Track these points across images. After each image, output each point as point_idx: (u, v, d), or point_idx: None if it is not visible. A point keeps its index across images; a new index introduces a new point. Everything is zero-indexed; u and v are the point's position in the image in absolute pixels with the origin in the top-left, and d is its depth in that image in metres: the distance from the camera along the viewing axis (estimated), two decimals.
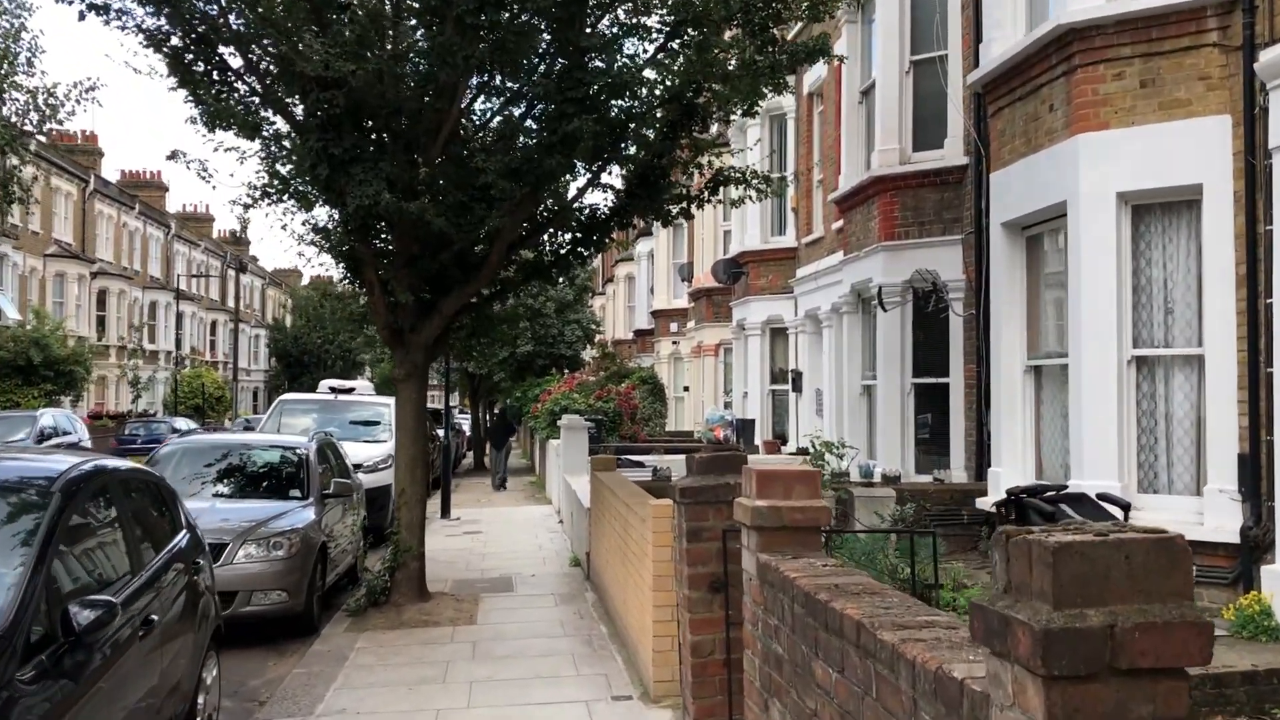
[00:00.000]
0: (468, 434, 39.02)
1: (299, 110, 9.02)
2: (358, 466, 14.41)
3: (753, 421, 19.62)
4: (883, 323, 13.44)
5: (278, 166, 9.90)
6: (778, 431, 20.47)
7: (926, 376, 13.34)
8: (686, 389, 30.13)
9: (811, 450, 13.80)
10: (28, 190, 18.10)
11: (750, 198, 11.14)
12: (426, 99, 8.79)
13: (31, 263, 41.91)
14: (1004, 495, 8.89)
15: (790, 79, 16.86)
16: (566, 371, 32.67)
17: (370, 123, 8.93)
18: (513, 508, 20.57)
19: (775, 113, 20.06)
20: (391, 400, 17.32)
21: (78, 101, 16.97)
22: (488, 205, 9.14)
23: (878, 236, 13.48)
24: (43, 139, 40.10)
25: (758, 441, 19.53)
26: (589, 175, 10.25)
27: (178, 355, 55.65)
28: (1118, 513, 8.25)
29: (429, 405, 30.48)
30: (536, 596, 10.65)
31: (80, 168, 47.86)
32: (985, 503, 10.36)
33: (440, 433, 20.68)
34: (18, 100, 16.92)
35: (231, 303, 67.72)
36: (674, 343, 31.41)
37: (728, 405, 23.88)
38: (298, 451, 10.83)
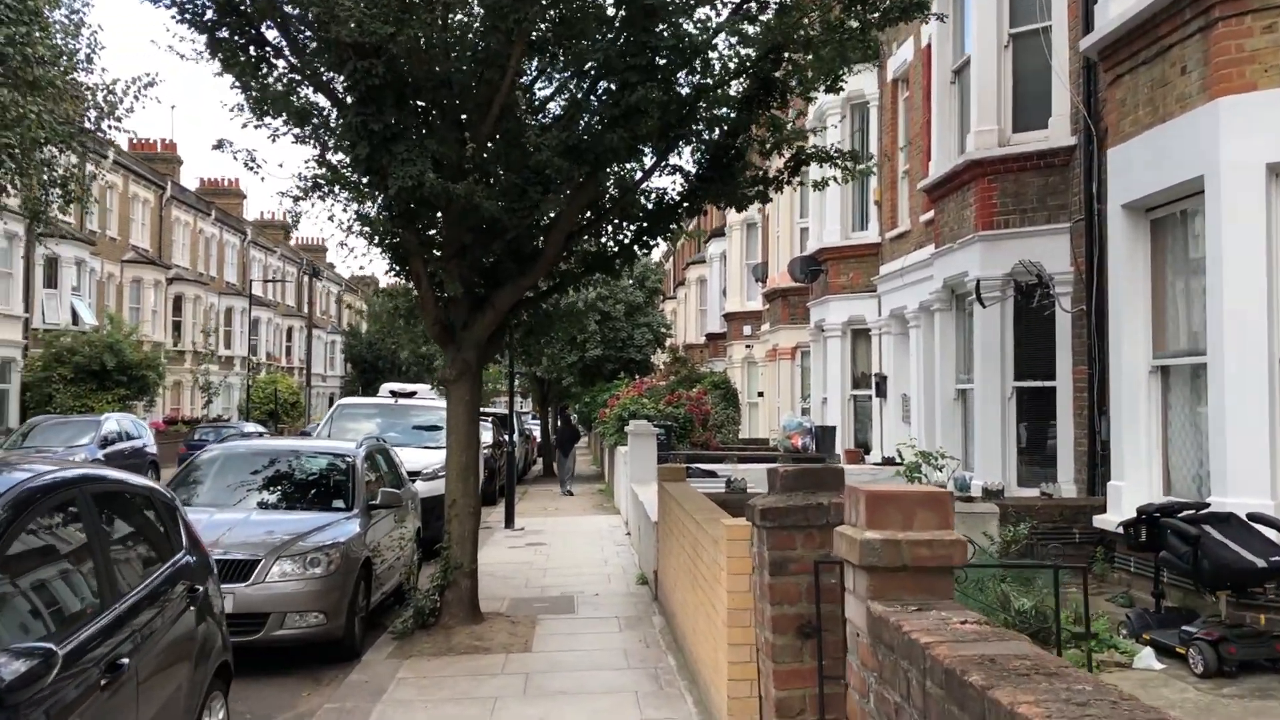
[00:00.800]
0: (537, 439, 38.36)
1: (339, 86, 8.24)
2: (416, 474, 13.70)
3: (833, 429, 18.49)
4: (980, 320, 12.25)
5: (328, 156, 9.18)
6: (860, 440, 19.31)
7: (1029, 379, 12.13)
8: (761, 394, 29.00)
9: (901, 460, 12.67)
10: (86, 189, 17.71)
11: (835, 179, 10.11)
12: (476, 68, 7.94)
13: (109, 268, 42.39)
14: (1133, 514, 7.73)
15: (881, 43, 15.76)
16: (636, 376, 31.80)
17: (415, 97, 8.10)
18: (579, 518, 19.71)
19: (857, 100, 18.93)
20: None
21: (136, 97, 16.51)
22: (543, 188, 8.27)
23: (974, 226, 12.31)
24: (119, 144, 40.58)
25: (839, 450, 18.38)
26: (655, 156, 9.31)
27: (252, 360, 56.10)
28: (1274, 535, 7.05)
29: (494, 410, 29.75)
30: (599, 620, 9.72)
31: (158, 175, 48.47)
32: (1105, 520, 9.16)
33: (506, 438, 19.87)
34: (80, 98, 16.53)
35: (307, 309, 68.39)
36: (747, 346, 30.32)
37: (805, 411, 22.74)
38: (345, 459, 10.07)
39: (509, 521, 17.62)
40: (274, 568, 8.14)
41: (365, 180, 8.31)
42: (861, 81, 18.30)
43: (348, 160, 8.30)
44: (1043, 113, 12.00)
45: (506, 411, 33.89)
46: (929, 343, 16.10)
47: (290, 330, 64.88)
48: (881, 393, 18.01)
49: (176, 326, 48.28)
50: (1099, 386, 10.87)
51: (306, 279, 63.80)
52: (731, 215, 31.58)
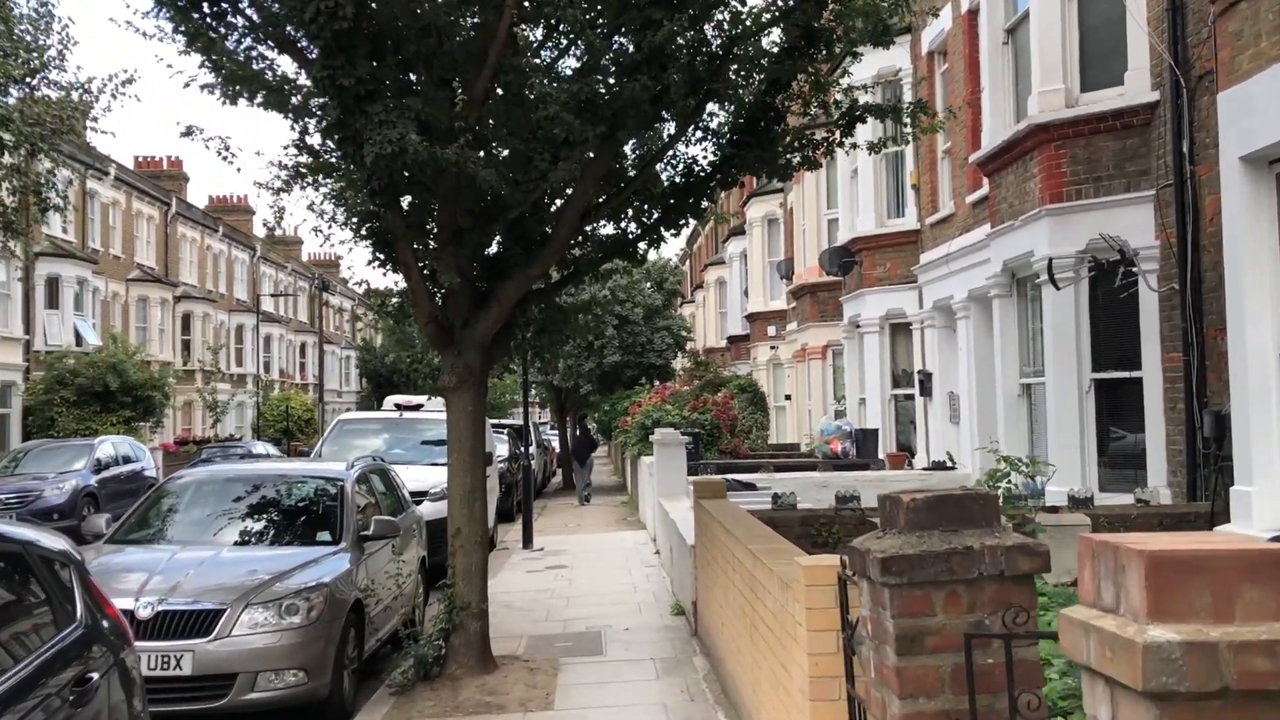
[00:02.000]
0: (557, 450, 37.04)
1: (304, 40, 6.91)
2: (423, 494, 12.39)
3: (875, 432, 17.05)
4: (1052, 305, 10.83)
5: (308, 139, 7.89)
6: (902, 442, 17.86)
7: (1110, 370, 10.69)
8: (788, 398, 27.60)
9: (954, 464, 11.25)
10: (64, 195, 16.49)
11: (895, 139, 8.74)
12: (464, 6, 6.59)
13: (114, 287, 41.34)
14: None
15: (914, 14, 14.31)
16: (657, 382, 30.45)
17: (393, 47, 6.76)
18: (602, 534, 18.34)
19: (888, 77, 17.52)
20: None
21: (113, 95, 15.28)
22: (552, 156, 6.92)
23: (1040, 199, 10.89)
24: (120, 161, 39.53)
25: (881, 455, 16.96)
26: (682, 120, 7.95)
27: (263, 378, 55.08)
28: None
29: (510, 421, 28.37)
30: (631, 663, 8.34)
31: (163, 191, 47.49)
32: (1229, 531, 7.71)
33: (523, 450, 18.54)
34: (49, 96, 15.31)
35: (319, 324, 67.36)
36: (772, 348, 28.91)
37: (839, 414, 21.32)
38: (334, 483, 8.73)
39: (527, 541, 16.27)
40: (243, 617, 6.80)
41: (338, 149, 6.98)
42: (893, 56, 16.88)
43: (319, 129, 6.98)
44: (1117, 67, 10.58)
45: (522, 423, 32.70)
46: (982, 334, 14.68)
47: (304, 346, 63.85)
48: (926, 391, 16.58)
49: (186, 345, 47.22)
50: (1198, 375, 9.43)
51: (318, 293, 62.72)
52: (752, 211, 30.22)
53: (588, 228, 8.32)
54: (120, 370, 32.46)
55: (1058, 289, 10.48)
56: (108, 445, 22.53)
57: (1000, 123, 12.22)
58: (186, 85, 7.81)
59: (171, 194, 48.08)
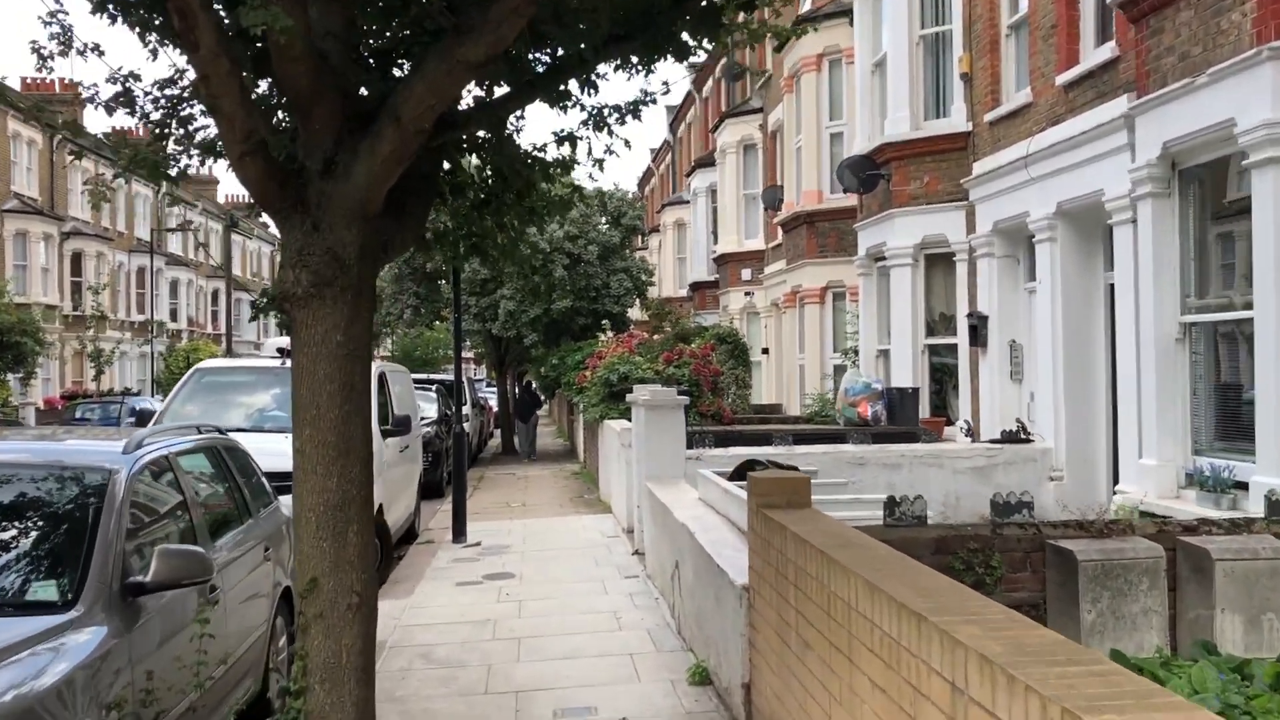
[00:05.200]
0: (494, 409, 32.94)
1: None
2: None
3: (915, 392, 13.27)
4: (1272, 202, 7.05)
5: None
6: (937, 405, 14.15)
7: None
8: (765, 351, 23.82)
9: (1029, 435, 7.51)
10: None
11: None
12: None
13: None
14: None
15: None
16: (610, 333, 26.46)
17: None
18: (556, 518, 14.39)
19: None
20: (378, 368, 11.20)
21: None
22: None
23: (1254, 39, 7.08)
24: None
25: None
26: None
27: (169, 327, 50.04)
28: None
29: (438, 377, 24.15)
30: None
31: (49, 115, 41.90)
32: None
33: (456, 411, 14.43)
34: None
35: (237, 270, 62.02)
36: (747, 294, 25.08)
37: (842, 366, 17.56)
38: (89, 480, 4.61)
39: (457, 534, 12.26)
40: None
41: None
42: None
43: None
44: None
45: (453, 377, 28.46)
46: (1078, 260, 10.99)
47: (216, 293, 58.53)
48: (979, 340, 12.84)
49: (76, 288, 41.99)
50: None
51: (237, 237, 57.48)
52: (725, 136, 26.17)
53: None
54: None
55: None
56: None
57: None
58: None
59: (58, 115, 42.48)
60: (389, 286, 28.54)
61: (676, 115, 40.64)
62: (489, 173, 4.75)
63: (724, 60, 29.21)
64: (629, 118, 5.10)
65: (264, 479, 7.03)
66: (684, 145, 39.29)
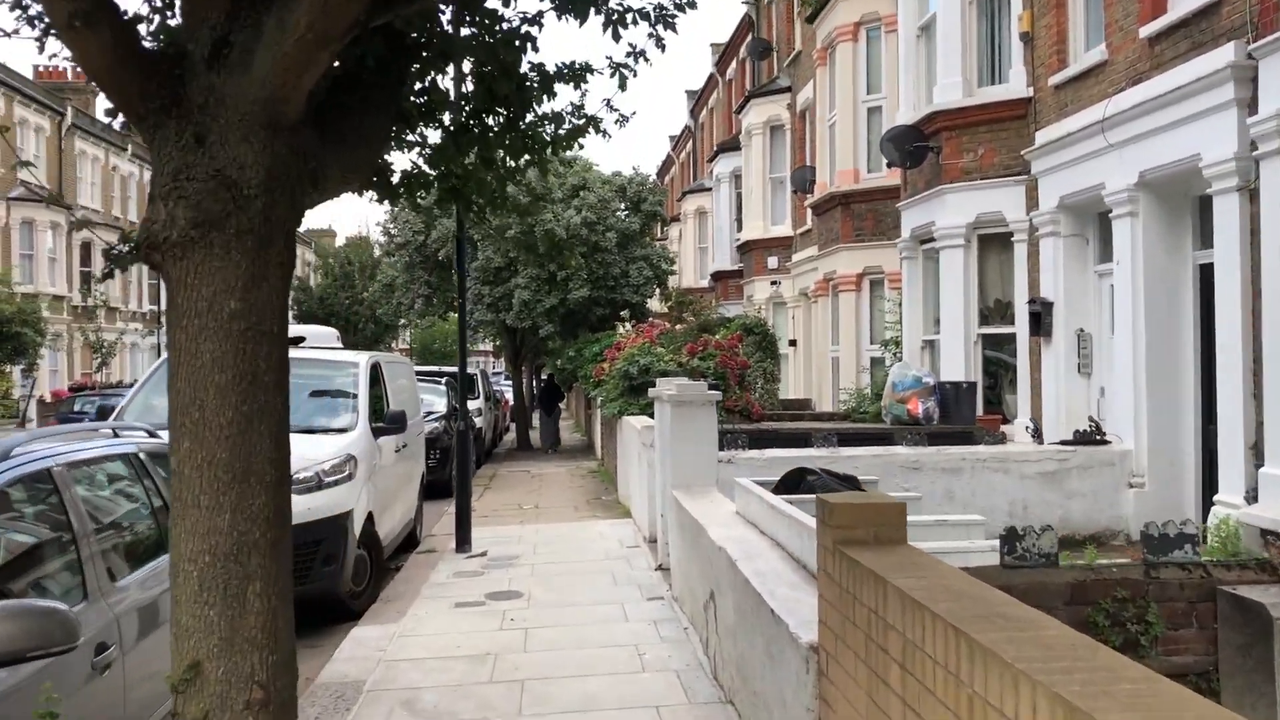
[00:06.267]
0: (510, 402, 31.70)
1: None
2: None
3: (971, 387, 11.94)
4: None
5: None
6: (989, 400, 12.83)
7: None
8: (793, 343, 22.51)
9: (1102, 436, 6.19)
10: None
11: None
12: None
13: None
14: None
15: None
16: (629, 325, 25.20)
17: None
18: (570, 523, 13.15)
19: None
20: (363, 358, 10.00)
21: None
22: None
23: None
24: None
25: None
26: None
27: (161, 316, 49.08)
28: None
29: (446, 369, 22.95)
30: None
31: (58, 101, 41.08)
32: None
33: (461, 406, 13.15)
34: None
35: None
36: (773, 283, 23.75)
37: (880, 359, 16.25)
38: None
39: (460, 542, 11.04)
40: None
41: None
42: None
43: None
44: None
45: (470, 372, 27.18)
46: (1168, 236, 9.69)
47: None
48: (1042, 329, 11.51)
49: (85, 278, 41.04)
50: None
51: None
52: (751, 117, 24.81)
53: None
54: None
55: None
56: None
57: None
58: None
59: (67, 103, 41.58)
60: (400, 276, 27.37)
61: (698, 100, 39.29)
62: (470, 87, 3.51)
63: (750, 38, 27.86)
64: (660, 26, 3.84)
65: None
66: (706, 131, 37.94)
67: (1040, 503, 9.74)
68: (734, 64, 32.00)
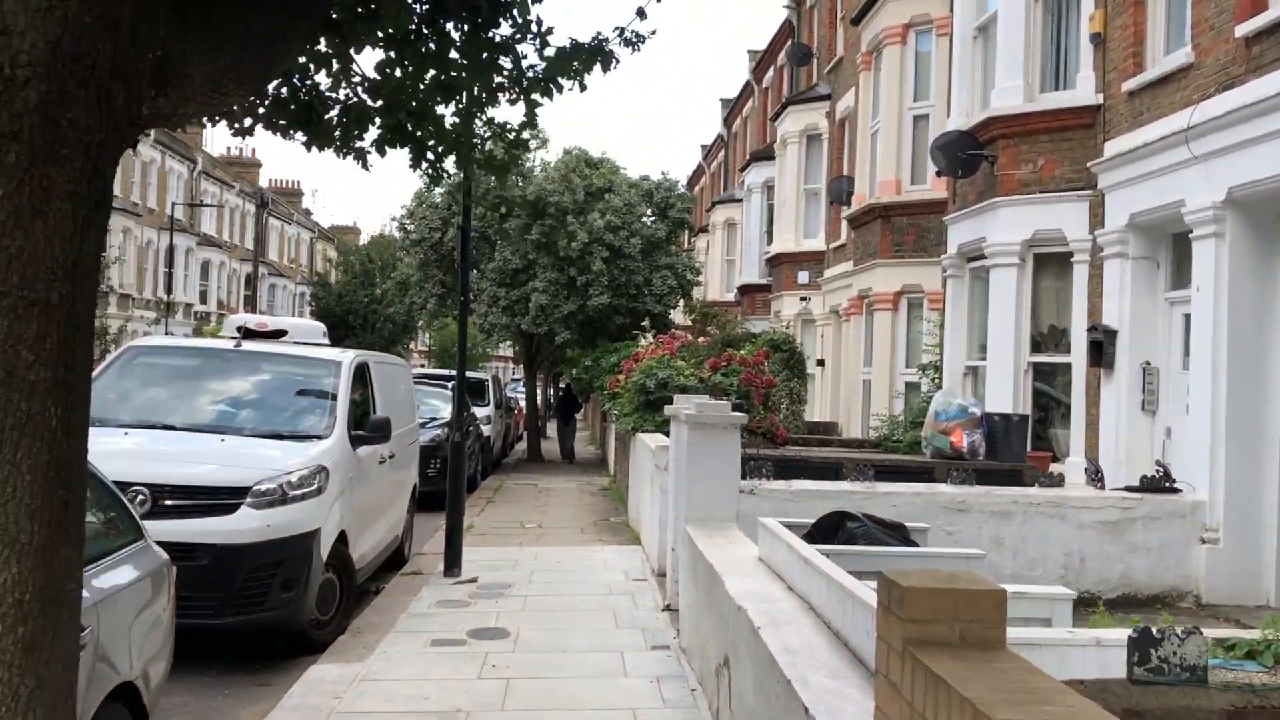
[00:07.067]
0: (523, 410, 30.72)
1: None
2: (238, 494, 6.32)
3: (1023, 419, 10.83)
4: None
5: None
6: (1042, 436, 11.70)
7: None
8: (821, 363, 21.40)
9: (1172, 483, 5.04)
10: None
11: None
12: None
13: None
14: None
15: None
16: (650, 336, 24.13)
17: None
18: (573, 548, 12.10)
19: None
20: (347, 357, 9.02)
21: None
22: None
23: None
24: None
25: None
26: None
27: (199, 310, 48.67)
28: None
29: (452, 373, 22.17)
30: None
31: None
32: None
33: (457, 415, 12.13)
34: None
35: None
36: (803, 299, 22.64)
37: (916, 384, 15.16)
38: None
39: (449, 565, 9.99)
40: None
41: None
42: None
43: None
44: None
45: (482, 377, 26.23)
46: (1268, 262, 8.57)
47: (249, 276, 56.99)
48: (1103, 360, 10.39)
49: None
50: None
51: (260, 212, 56.06)
52: (787, 125, 23.75)
53: None
54: None
55: None
56: None
57: None
58: None
59: None
60: (414, 274, 26.46)
61: (732, 109, 38.28)
62: None
63: (789, 43, 26.84)
64: None
65: (130, 510, 4.83)
66: (739, 140, 36.92)
67: (1099, 555, 8.63)
68: (771, 71, 31.00)
